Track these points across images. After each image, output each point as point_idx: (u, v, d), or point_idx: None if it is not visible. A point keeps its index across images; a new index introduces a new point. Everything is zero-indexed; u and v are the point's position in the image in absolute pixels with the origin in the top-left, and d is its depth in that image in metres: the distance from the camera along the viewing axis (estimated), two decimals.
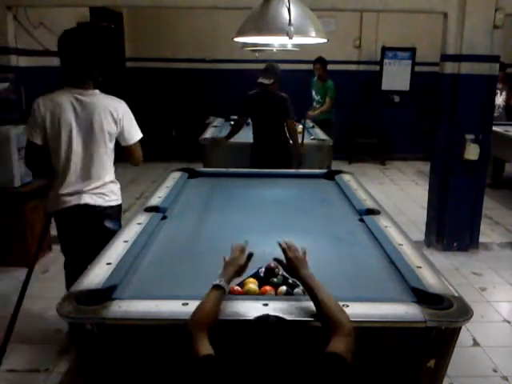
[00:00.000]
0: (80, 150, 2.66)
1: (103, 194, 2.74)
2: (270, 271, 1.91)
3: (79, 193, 2.68)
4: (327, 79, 7.17)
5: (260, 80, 4.76)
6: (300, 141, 4.89)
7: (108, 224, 2.74)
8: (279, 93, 4.79)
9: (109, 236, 2.42)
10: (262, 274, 1.92)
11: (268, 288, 1.81)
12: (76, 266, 2.62)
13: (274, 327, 1.42)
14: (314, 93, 7.32)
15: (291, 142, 4.85)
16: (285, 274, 1.86)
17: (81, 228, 2.74)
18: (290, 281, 1.85)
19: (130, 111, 2.78)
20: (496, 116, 6.86)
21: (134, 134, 2.79)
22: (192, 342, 1.46)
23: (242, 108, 4.97)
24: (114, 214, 2.80)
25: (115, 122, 2.68)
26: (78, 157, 2.66)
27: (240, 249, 1.83)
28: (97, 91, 2.70)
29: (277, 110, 4.74)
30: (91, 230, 2.72)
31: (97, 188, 2.71)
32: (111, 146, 2.74)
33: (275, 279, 1.88)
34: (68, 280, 2.86)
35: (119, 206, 2.87)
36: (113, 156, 2.81)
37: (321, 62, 7.17)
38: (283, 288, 1.81)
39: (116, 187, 2.85)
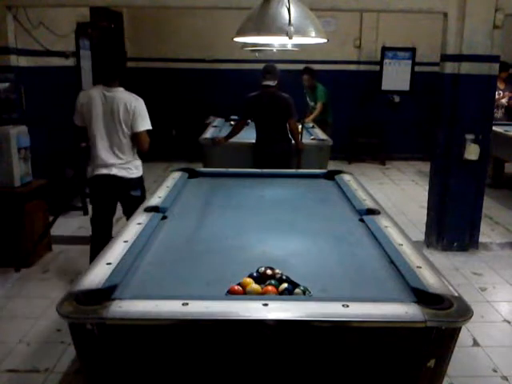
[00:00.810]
0: (104, 132, 3.46)
1: (129, 168, 3.55)
2: (266, 276, 1.90)
3: (110, 165, 3.50)
4: (317, 85, 7.13)
5: (266, 82, 4.72)
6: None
7: (132, 193, 3.57)
8: (282, 93, 4.78)
9: (132, 200, 3.47)
10: (254, 274, 1.91)
11: (270, 288, 1.81)
12: (102, 233, 3.60)
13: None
14: (308, 99, 7.32)
15: (293, 141, 4.85)
16: (284, 276, 1.86)
17: (108, 193, 3.59)
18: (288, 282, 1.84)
19: (143, 106, 3.46)
20: (499, 117, 6.85)
21: (141, 123, 3.45)
22: None
23: (244, 110, 4.93)
24: (136, 184, 3.61)
25: (128, 112, 3.40)
26: (103, 137, 3.47)
27: None
28: (121, 88, 3.47)
29: (281, 110, 4.73)
30: (117, 195, 3.60)
31: (124, 164, 3.52)
32: (128, 131, 3.46)
33: (272, 281, 1.87)
34: (92, 253, 3.50)
35: (140, 177, 3.66)
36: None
37: (307, 72, 7.10)
38: (284, 285, 1.81)
39: (138, 162, 3.65)
